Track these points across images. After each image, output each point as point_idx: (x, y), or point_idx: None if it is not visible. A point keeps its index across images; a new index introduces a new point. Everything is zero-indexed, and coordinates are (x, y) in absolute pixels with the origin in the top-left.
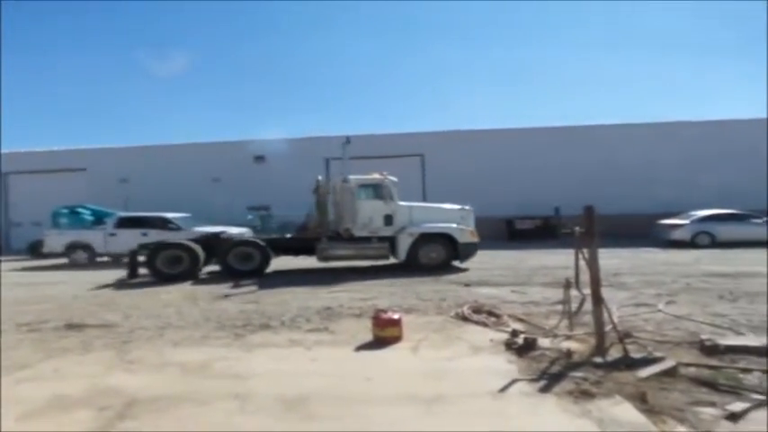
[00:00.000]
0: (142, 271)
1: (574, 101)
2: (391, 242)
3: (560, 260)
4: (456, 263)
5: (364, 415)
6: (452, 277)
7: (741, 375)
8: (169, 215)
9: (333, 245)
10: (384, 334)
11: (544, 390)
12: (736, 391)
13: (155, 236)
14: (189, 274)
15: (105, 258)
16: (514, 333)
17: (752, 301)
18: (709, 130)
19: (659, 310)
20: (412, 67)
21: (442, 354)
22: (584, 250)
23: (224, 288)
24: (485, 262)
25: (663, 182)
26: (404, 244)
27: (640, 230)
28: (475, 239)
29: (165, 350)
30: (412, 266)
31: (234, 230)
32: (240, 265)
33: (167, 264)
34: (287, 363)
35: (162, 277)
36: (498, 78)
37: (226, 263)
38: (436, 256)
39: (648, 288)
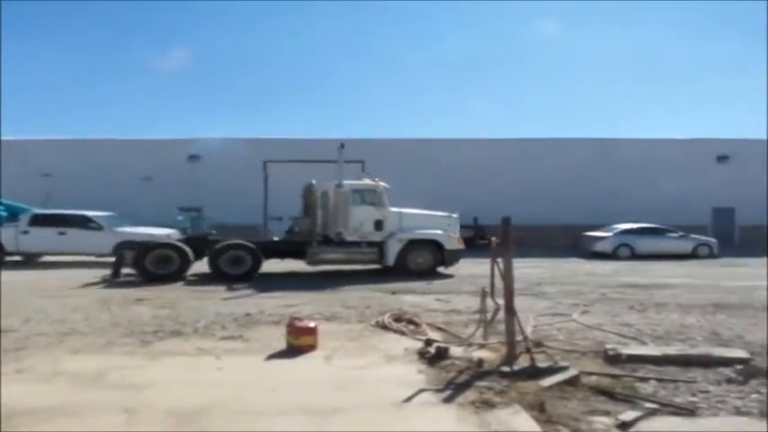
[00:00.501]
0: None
1: (514, 113)
2: (380, 247)
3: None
4: (441, 268)
5: (260, 427)
6: (388, 286)
7: (638, 384)
8: (90, 213)
9: (323, 249)
10: (298, 342)
11: (448, 400)
12: (631, 399)
13: (73, 235)
14: (178, 274)
15: (16, 258)
16: (428, 342)
17: (659, 311)
18: (641, 148)
19: (573, 320)
20: (355, 71)
21: (354, 363)
22: (500, 260)
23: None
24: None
25: (593, 195)
26: (393, 249)
27: (569, 241)
28: (460, 246)
29: (61, 358)
30: (400, 271)
31: (161, 231)
32: (231, 268)
33: (157, 264)
34: (191, 372)
35: (150, 277)
36: (441, 86)
37: (217, 266)
38: (423, 261)
39: (567, 298)
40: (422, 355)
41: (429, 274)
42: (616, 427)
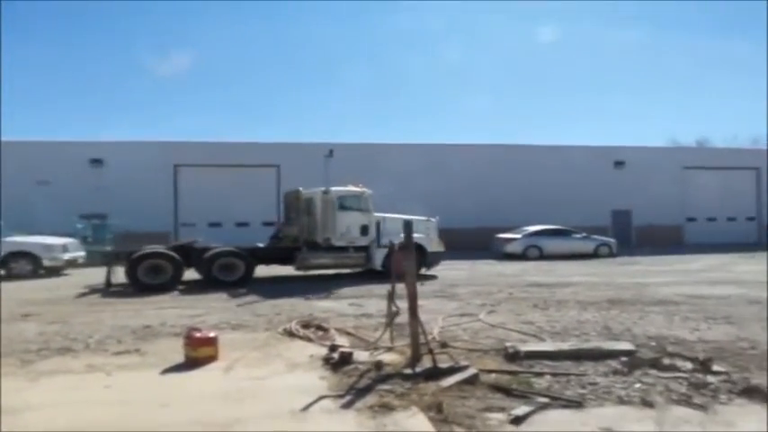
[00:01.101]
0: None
1: (426, 119)
2: (366, 251)
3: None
4: (423, 270)
5: None
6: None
7: (534, 380)
8: None
9: (312, 254)
10: (197, 354)
11: (347, 406)
12: (526, 395)
13: None
14: (171, 284)
15: None
16: (332, 348)
17: (560, 308)
18: (547, 154)
19: (479, 320)
20: (270, 75)
21: (255, 373)
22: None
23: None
24: (328, 274)
25: (505, 199)
26: (379, 253)
27: (485, 243)
28: (441, 248)
29: None
30: (387, 274)
31: (57, 241)
32: (224, 275)
33: (149, 274)
34: (77, 392)
35: (142, 288)
36: (356, 92)
37: (210, 274)
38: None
39: (477, 298)
40: (326, 361)
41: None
42: (509, 422)
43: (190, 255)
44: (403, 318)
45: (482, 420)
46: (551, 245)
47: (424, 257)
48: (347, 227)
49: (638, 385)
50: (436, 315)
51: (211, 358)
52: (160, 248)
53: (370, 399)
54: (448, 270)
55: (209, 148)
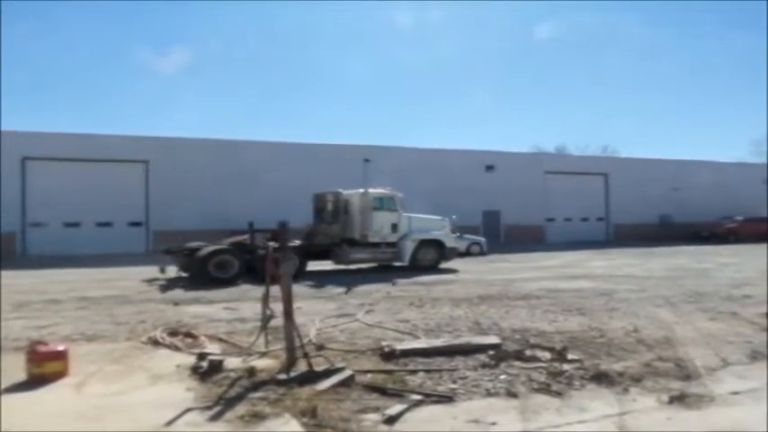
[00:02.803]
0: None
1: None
2: (395, 247)
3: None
4: (442, 264)
5: None
6: (167, 295)
7: (408, 377)
8: None
9: (351, 250)
10: (42, 370)
11: (215, 417)
12: (400, 393)
13: None
14: (237, 278)
15: None
16: (201, 356)
17: (434, 306)
18: (427, 157)
19: (357, 320)
20: (133, 69)
21: (112, 388)
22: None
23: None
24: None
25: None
26: (408, 249)
27: None
28: (455, 245)
29: None
30: (412, 267)
31: None
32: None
33: (218, 268)
34: None
35: (212, 281)
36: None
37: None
38: (431, 258)
39: (355, 298)
40: (194, 370)
41: (434, 269)
42: (383, 422)
43: (245, 251)
44: (279, 321)
45: (357, 422)
46: None
47: (443, 252)
48: (381, 225)
49: (503, 377)
50: (314, 317)
51: (60, 374)
52: (224, 245)
53: (241, 408)
54: (332, 273)
55: (65, 139)
